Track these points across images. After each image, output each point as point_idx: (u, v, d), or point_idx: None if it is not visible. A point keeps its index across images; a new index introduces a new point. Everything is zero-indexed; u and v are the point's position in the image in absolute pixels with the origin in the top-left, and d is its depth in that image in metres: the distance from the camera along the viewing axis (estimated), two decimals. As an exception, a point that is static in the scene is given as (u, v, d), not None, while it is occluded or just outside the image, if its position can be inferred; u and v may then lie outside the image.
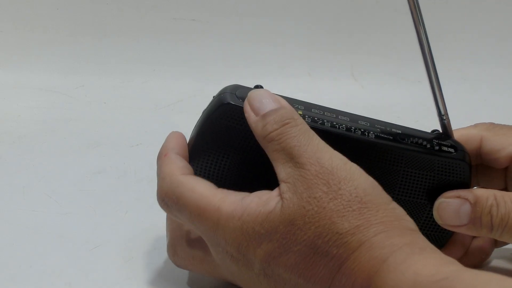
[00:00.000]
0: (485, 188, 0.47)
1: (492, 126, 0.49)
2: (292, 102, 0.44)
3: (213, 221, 0.40)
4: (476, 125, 0.49)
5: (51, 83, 0.87)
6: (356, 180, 0.39)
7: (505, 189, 0.49)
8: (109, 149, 0.71)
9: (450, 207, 0.44)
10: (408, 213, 0.41)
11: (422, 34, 0.45)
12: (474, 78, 0.90)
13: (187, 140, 0.46)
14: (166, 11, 0.91)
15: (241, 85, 0.45)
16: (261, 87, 0.44)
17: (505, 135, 0.47)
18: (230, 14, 0.91)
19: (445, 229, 0.46)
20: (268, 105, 0.42)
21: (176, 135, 0.46)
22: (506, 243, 0.50)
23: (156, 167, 0.45)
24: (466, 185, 0.46)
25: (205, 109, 0.45)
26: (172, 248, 0.45)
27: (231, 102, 0.43)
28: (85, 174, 0.65)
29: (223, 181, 0.44)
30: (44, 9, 0.90)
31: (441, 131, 0.47)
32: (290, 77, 0.89)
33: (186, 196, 0.41)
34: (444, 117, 0.46)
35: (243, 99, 0.43)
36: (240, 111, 0.43)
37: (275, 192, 0.40)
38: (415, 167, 0.45)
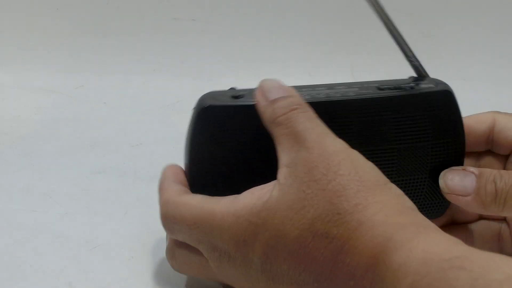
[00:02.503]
0: None
1: (501, 112, 0.50)
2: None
3: (208, 224, 0.41)
4: (488, 112, 0.50)
5: (51, 83, 0.87)
6: (355, 161, 0.39)
7: None
8: (109, 149, 0.71)
9: (457, 175, 0.45)
10: (407, 166, 0.43)
11: None
12: (474, 78, 0.90)
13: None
14: (166, 11, 0.91)
15: (215, 91, 0.45)
16: (241, 96, 0.44)
17: None
18: (230, 14, 0.91)
19: (441, 198, 0.46)
20: (278, 92, 0.43)
21: (171, 166, 0.47)
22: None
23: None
24: (457, 116, 0.46)
25: (189, 124, 0.45)
26: (171, 252, 0.45)
27: (212, 104, 0.43)
28: (85, 174, 0.65)
29: (225, 188, 0.44)
30: (44, 9, 0.90)
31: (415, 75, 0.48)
32: (290, 77, 0.89)
33: (182, 212, 0.42)
34: (413, 59, 0.47)
35: (221, 101, 0.44)
36: (223, 110, 0.43)
37: (270, 183, 0.40)
38: (401, 111, 0.45)
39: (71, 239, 0.53)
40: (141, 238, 0.53)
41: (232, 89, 0.45)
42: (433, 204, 0.49)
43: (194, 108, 0.45)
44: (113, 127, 0.77)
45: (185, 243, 0.44)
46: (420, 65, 0.48)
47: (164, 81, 0.88)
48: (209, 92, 0.45)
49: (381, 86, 0.46)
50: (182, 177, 0.46)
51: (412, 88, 0.46)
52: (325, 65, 0.91)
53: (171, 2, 0.91)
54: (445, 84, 0.47)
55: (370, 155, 0.43)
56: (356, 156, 0.40)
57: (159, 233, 0.51)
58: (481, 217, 0.50)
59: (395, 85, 0.46)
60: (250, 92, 0.45)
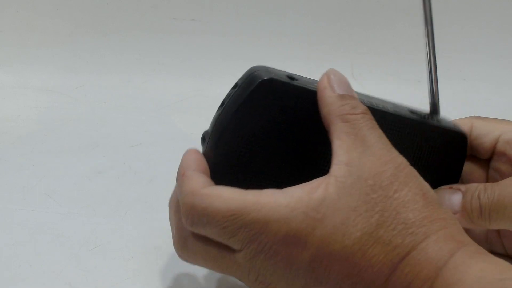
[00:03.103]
0: (468, 180, 0.51)
1: (480, 117, 0.51)
2: (312, 81, 0.43)
3: (250, 216, 0.38)
4: (466, 117, 0.51)
5: (51, 83, 0.87)
6: (418, 177, 0.40)
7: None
8: (109, 149, 0.71)
9: (443, 195, 0.47)
10: None
11: (427, 8, 0.48)
12: (474, 78, 0.90)
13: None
14: (166, 11, 0.91)
15: (264, 66, 0.42)
16: (295, 79, 0.42)
17: (493, 121, 0.50)
18: (230, 14, 0.91)
19: None
20: (346, 89, 0.42)
21: (191, 151, 0.44)
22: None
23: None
24: (462, 160, 0.48)
25: (232, 98, 0.40)
26: (181, 242, 0.43)
27: (273, 77, 0.40)
28: (85, 174, 0.65)
29: (256, 160, 0.41)
30: (44, 9, 0.90)
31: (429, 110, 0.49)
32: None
33: (214, 205, 0.39)
34: (435, 96, 0.48)
35: (280, 77, 0.40)
36: (282, 86, 0.40)
37: (320, 179, 0.39)
38: (427, 139, 0.46)
39: (71, 239, 0.53)
40: (141, 238, 0.53)
41: (290, 77, 0.42)
42: None
43: (245, 80, 0.41)
44: (113, 127, 0.77)
45: (202, 235, 0.41)
46: (438, 103, 0.49)
47: (164, 81, 0.88)
48: (259, 66, 0.42)
49: (412, 110, 0.47)
50: (205, 165, 0.43)
51: (437, 121, 0.47)
52: (325, 65, 0.90)
53: (171, 2, 0.91)
54: (461, 128, 0.48)
55: None
56: (416, 172, 0.40)
57: (159, 233, 0.51)
58: None
59: (423, 114, 0.47)
60: (305, 79, 0.43)
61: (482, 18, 0.92)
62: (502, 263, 0.37)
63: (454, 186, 0.47)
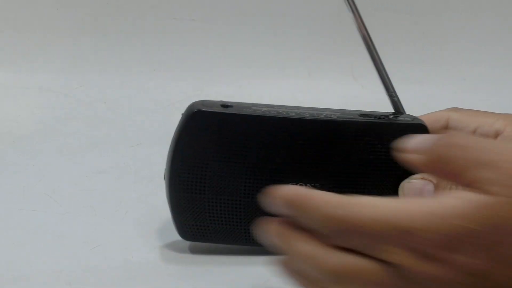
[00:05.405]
0: None
1: (458, 108, 0.50)
2: (255, 104, 0.47)
3: (401, 226, 0.35)
4: (444, 109, 0.51)
5: (51, 83, 0.87)
6: None
7: None
8: (109, 149, 0.71)
9: (415, 187, 0.46)
10: (382, 191, 0.46)
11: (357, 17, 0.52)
12: (474, 78, 0.90)
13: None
14: (166, 11, 0.91)
15: (205, 100, 0.48)
16: (230, 106, 0.47)
17: (469, 115, 0.49)
18: (230, 14, 0.91)
19: None
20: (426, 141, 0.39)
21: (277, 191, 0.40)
22: None
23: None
24: None
25: (176, 129, 0.47)
26: (320, 259, 0.37)
27: (201, 109, 0.46)
28: (85, 174, 0.65)
29: (206, 187, 0.47)
30: (44, 9, 0.90)
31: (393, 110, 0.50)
32: (290, 77, 0.89)
33: (375, 214, 0.36)
34: (393, 95, 0.50)
35: (211, 108, 0.46)
36: (212, 116, 0.46)
37: (466, 192, 0.36)
38: (379, 139, 0.47)
39: (71, 239, 0.53)
40: (141, 238, 0.53)
41: (221, 101, 0.47)
42: None
43: (183, 113, 0.47)
44: (113, 127, 0.77)
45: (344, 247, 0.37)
46: (399, 101, 0.50)
47: (164, 81, 0.88)
48: (199, 100, 0.48)
49: (362, 113, 0.48)
50: None
51: (391, 119, 0.48)
52: (325, 65, 0.91)
53: (171, 2, 0.91)
54: (421, 119, 0.49)
55: (344, 178, 0.47)
56: None
57: (159, 233, 0.51)
58: None
59: (375, 115, 0.48)
60: (239, 104, 0.47)
61: (482, 19, 0.92)
62: None
63: (426, 176, 0.46)
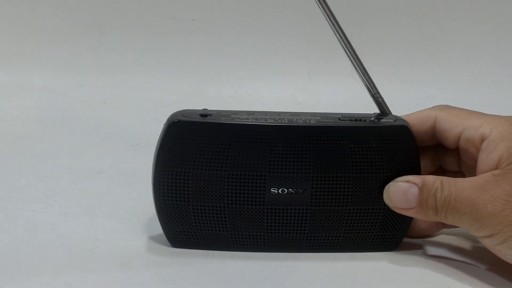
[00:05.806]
0: (445, 168, 0.52)
1: (447, 107, 0.50)
2: (235, 112, 0.49)
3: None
4: (433, 107, 0.51)
5: (51, 83, 0.87)
6: None
7: (460, 170, 0.52)
8: (109, 149, 0.71)
9: (400, 189, 0.47)
10: (362, 196, 0.47)
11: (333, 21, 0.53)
12: (474, 78, 0.90)
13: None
14: (166, 11, 0.91)
15: (187, 109, 0.49)
16: (209, 114, 0.48)
17: (456, 116, 0.49)
18: (230, 14, 0.91)
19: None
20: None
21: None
22: (456, 227, 0.52)
23: None
24: (413, 150, 0.48)
25: (158, 138, 0.48)
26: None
27: (181, 119, 0.47)
28: (85, 174, 0.65)
29: (189, 195, 0.48)
30: (44, 9, 0.90)
31: (378, 111, 0.50)
32: (290, 77, 0.89)
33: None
34: (377, 96, 0.50)
35: (190, 117, 0.48)
36: (191, 125, 0.47)
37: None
38: (359, 142, 0.47)
39: (71, 239, 0.53)
40: (141, 238, 0.53)
41: (204, 109, 0.49)
42: (387, 237, 0.50)
43: (164, 124, 0.48)
44: (113, 127, 0.77)
45: None
46: (383, 102, 0.50)
47: (164, 81, 0.88)
48: (179, 110, 0.49)
49: (342, 117, 0.49)
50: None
51: (371, 121, 0.48)
52: (325, 65, 0.91)
53: (171, 2, 0.91)
54: (404, 120, 0.49)
55: (325, 182, 0.47)
56: None
57: (159, 233, 0.51)
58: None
59: (356, 118, 0.49)
60: (219, 112, 0.48)
61: (482, 18, 0.92)
62: None
63: (411, 179, 0.47)
